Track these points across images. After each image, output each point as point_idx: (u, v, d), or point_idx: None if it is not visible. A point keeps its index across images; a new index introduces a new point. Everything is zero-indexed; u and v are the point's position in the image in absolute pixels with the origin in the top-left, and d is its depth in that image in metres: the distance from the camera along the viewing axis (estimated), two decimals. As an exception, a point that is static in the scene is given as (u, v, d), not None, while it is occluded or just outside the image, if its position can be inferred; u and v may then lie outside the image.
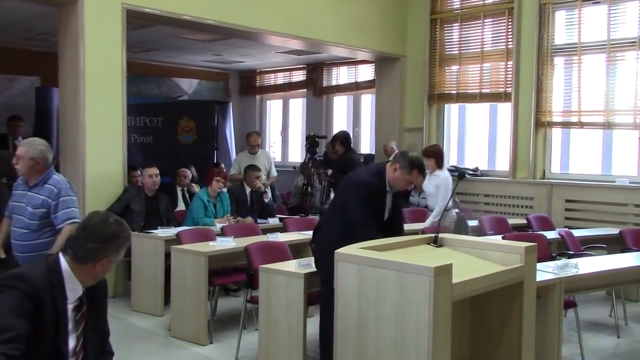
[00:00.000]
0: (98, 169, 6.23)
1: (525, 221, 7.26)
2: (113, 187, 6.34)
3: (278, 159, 12.20)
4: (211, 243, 5.40)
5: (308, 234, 5.92)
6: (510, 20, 8.32)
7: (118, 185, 6.39)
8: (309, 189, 8.49)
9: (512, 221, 7.24)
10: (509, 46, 8.35)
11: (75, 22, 6.11)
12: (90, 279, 2.40)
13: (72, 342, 2.35)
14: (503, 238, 5.45)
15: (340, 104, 11.65)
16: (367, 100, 10.98)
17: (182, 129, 9.91)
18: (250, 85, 12.95)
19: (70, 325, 2.35)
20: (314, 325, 4.38)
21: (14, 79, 9.94)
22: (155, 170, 6.50)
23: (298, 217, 7.07)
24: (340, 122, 11.59)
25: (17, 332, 2.11)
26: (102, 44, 6.22)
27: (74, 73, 6.18)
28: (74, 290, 2.34)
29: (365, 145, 10.98)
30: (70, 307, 2.34)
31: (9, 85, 9.96)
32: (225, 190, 6.91)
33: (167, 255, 5.54)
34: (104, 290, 2.59)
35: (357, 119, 11.24)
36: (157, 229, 6.08)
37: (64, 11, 6.27)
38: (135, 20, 6.97)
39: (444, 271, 2.77)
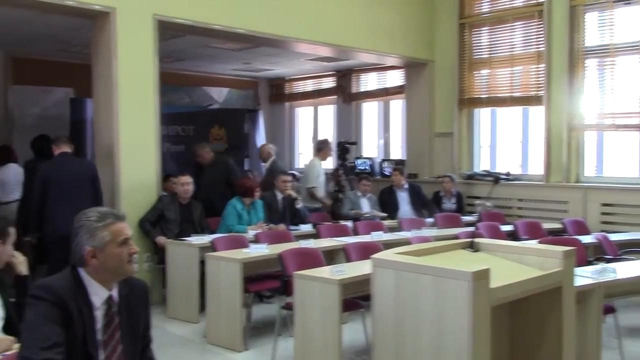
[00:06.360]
0: (132, 178, 6.32)
1: (560, 225, 7.17)
2: (148, 196, 6.42)
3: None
4: (245, 250, 5.44)
5: (341, 240, 5.96)
6: (540, 22, 8.24)
7: (152, 194, 6.47)
8: (339, 195, 8.51)
9: (546, 226, 7.15)
10: (539, 49, 8.27)
11: (108, 34, 6.22)
12: (108, 276, 2.38)
13: (104, 349, 2.37)
14: (539, 242, 5.39)
15: (370, 110, 11.63)
16: (397, 105, 10.95)
17: (214, 137, 9.99)
18: (279, 93, 13.02)
19: (100, 331, 2.37)
20: (349, 331, 4.38)
21: (48, 90, 10.12)
22: (187, 179, 6.57)
23: (330, 223, 7.07)
24: (370, 128, 11.58)
25: (56, 339, 2.17)
26: (134, 55, 6.32)
27: (107, 84, 6.28)
28: (97, 294, 2.36)
29: (397, 151, 10.94)
30: (98, 313, 2.36)
31: (44, 97, 10.14)
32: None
33: (202, 263, 5.59)
34: (143, 296, 2.58)
35: (387, 125, 11.21)
36: (190, 236, 6.14)
37: (97, 23, 6.39)
38: (167, 31, 7.06)
39: (482, 276, 2.75)
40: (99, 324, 2.37)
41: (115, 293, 2.43)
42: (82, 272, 2.37)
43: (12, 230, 3.10)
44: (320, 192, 8.27)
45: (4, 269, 3.11)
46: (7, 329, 2.97)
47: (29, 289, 2.45)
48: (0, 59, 9.52)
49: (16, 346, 2.60)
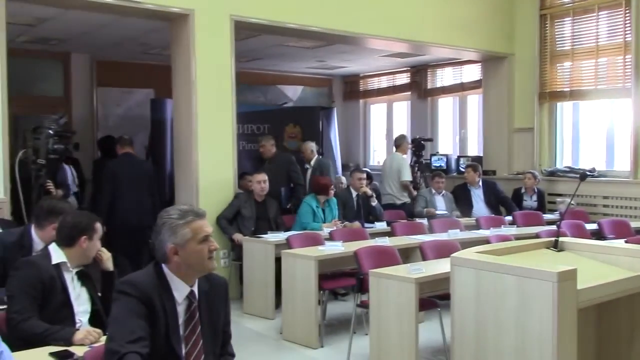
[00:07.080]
0: (210, 176, 6.44)
1: (649, 224, 6.81)
2: (224, 194, 6.53)
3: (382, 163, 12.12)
4: (320, 247, 5.44)
5: (416, 238, 5.87)
6: (627, 11, 7.86)
7: (229, 191, 6.58)
8: (415, 193, 8.39)
9: (634, 224, 6.81)
10: (626, 39, 7.89)
11: (186, 35, 6.36)
12: (190, 272, 2.42)
13: (185, 343, 2.40)
14: (626, 242, 5.14)
15: (446, 106, 11.43)
16: (474, 101, 10.70)
17: (288, 135, 10.04)
18: (353, 90, 12.99)
19: (182, 326, 2.41)
20: (425, 331, 4.31)
21: (130, 91, 10.49)
22: (263, 177, 6.63)
23: (405, 221, 6.99)
24: (446, 125, 11.38)
25: (141, 333, 2.23)
26: (212, 56, 6.43)
27: (186, 84, 6.42)
28: (179, 290, 2.41)
29: (473, 147, 10.69)
30: (180, 308, 2.40)
31: (126, 98, 10.52)
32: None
33: (277, 260, 5.63)
34: (222, 292, 2.60)
35: (463, 121, 10.98)
36: (266, 233, 6.21)
37: (176, 25, 6.54)
38: (242, 31, 7.15)
39: (569, 277, 2.63)
40: (181, 319, 2.41)
41: (196, 289, 2.47)
42: (165, 269, 2.42)
43: (99, 226, 3.20)
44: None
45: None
46: (94, 322, 3.08)
47: (114, 284, 2.53)
48: (87, 62, 9.93)
49: (103, 338, 2.68)
